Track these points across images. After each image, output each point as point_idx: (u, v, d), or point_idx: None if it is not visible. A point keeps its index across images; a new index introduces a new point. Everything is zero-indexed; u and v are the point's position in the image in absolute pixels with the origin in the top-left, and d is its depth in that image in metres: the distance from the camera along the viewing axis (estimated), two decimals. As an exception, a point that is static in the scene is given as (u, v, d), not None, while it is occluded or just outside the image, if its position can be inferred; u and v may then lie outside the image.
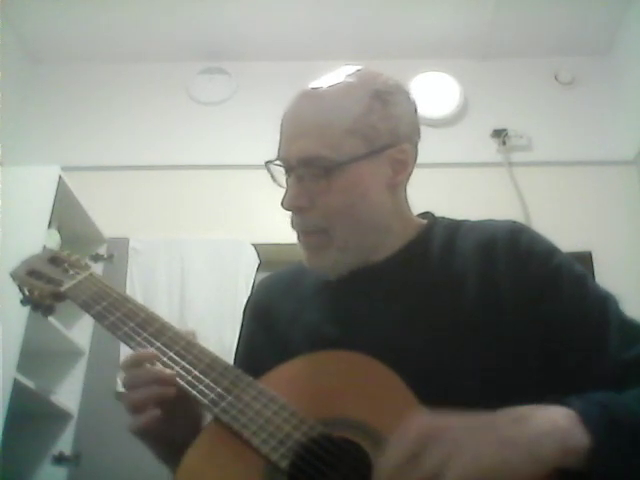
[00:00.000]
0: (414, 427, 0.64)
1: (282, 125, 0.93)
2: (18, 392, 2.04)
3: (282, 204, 0.91)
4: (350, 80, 0.92)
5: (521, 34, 3.13)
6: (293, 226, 0.93)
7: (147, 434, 0.83)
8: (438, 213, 1.02)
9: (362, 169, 0.89)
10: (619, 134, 2.99)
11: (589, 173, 2.95)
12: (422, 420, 0.65)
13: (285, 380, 0.84)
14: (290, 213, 0.93)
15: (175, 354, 0.87)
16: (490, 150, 3.03)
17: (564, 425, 0.65)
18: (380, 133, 0.90)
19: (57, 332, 2.33)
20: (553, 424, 0.65)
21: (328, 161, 0.87)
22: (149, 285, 2.71)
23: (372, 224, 0.91)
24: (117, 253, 2.76)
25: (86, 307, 0.95)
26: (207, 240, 2.81)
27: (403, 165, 0.92)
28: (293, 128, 0.91)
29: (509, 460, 0.62)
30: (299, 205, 0.90)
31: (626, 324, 0.84)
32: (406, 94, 0.95)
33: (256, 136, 2.81)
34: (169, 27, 3.14)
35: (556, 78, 3.18)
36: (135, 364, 0.85)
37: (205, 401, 0.82)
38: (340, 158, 0.87)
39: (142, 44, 3.22)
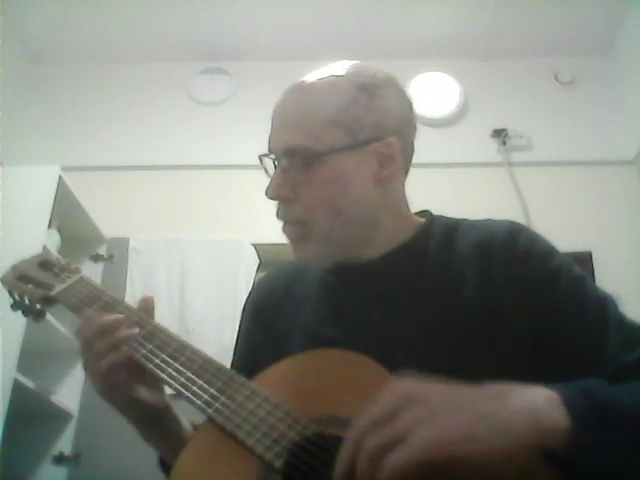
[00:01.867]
0: (393, 390, 0.64)
1: (272, 118, 0.94)
2: (18, 392, 2.04)
3: (266, 193, 0.91)
4: (339, 73, 0.92)
5: (521, 34, 3.13)
6: (278, 216, 0.93)
7: (110, 385, 0.86)
8: (437, 213, 1.02)
9: (344, 161, 0.88)
10: (619, 134, 2.99)
11: (589, 173, 2.95)
12: (401, 384, 0.65)
13: (278, 379, 0.84)
14: (276, 204, 0.93)
15: (168, 356, 0.87)
16: (490, 150, 3.03)
17: (542, 404, 0.64)
18: (364, 125, 0.89)
19: (57, 332, 2.33)
20: (530, 402, 0.64)
21: (308, 151, 0.87)
22: (149, 285, 2.71)
23: (356, 218, 0.90)
24: (117, 253, 2.76)
25: (77, 311, 0.95)
26: (207, 240, 2.82)
27: (390, 159, 0.91)
28: (279, 120, 0.92)
29: (477, 433, 0.61)
30: (282, 195, 0.90)
31: (625, 326, 0.84)
32: (396, 87, 0.94)
33: (256, 136, 2.78)
34: (169, 27, 3.14)
35: (556, 78, 3.18)
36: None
37: (198, 402, 0.82)
38: (321, 149, 0.87)
39: (142, 44, 3.22)
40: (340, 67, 0.93)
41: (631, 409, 0.68)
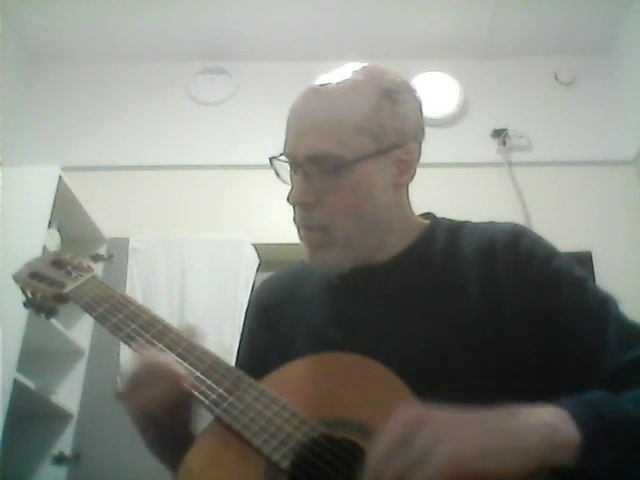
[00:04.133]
0: (403, 416, 0.65)
1: (289, 121, 0.93)
2: (18, 392, 2.04)
3: (288, 199, 0.91)
4: (358, 77, 0.91)
5: (521, 34, 3.13)
6: (295, 221, 0.92)
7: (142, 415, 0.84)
8: (438, 213, 1.02)
9: (370, 168, 0.88)
10: (619, 134, 2.99)
11: (589, 173, 2.95)
12: (411, 409, 0.66)
13: (287, 381, 0.85)
14: (292, 209, 0.92)
15: (177, 356, 0.87)
16: (490, 150, 3.03)
17: (552, 420, 0.66)
18: (387, 132, 0.89)
19: (57, 332, 2.33)
20: (541, 419, 0.66)
21: (337, 159, 0.87)
22: (149, 285, 2.71)
23: (376, 223, 0.91)
24: (117, 253, 2.76)
25: (89, 309, 0.96)
26: (207, 240, 2.81)
27: (408, 165, 0.92)
28: (301, 125, 0.91)
29: (494, 447, 0.62)
30: (305, 201, 0.89)
31: (626, 326, 0.84)
32: (413, 92, 0.95)
33: (256, 136, 2.82)
34: (169, 27, 3.14)
35: (556, 78, 3.18)
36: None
37: (207, 402, 0.82)
38: (349, 156, 0.87)
39: (142, 44, 3.21)
40: (356, 70, 0.93)
41: (636, 420, 0.69)
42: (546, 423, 0.65)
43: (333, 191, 0.88)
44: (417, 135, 0.93)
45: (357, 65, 0.94)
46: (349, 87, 0.90)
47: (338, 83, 0.91)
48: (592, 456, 0.64)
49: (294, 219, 0.92)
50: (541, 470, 0.64)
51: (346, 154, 0.87)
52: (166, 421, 0.84)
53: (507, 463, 0.62)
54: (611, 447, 0.66)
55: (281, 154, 0.93)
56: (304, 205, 0.90)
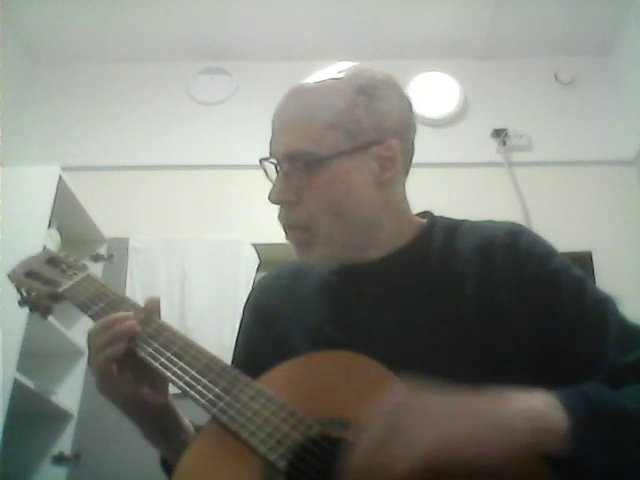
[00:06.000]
0: (385, 403, 0.65)
1: (272, 122, 0.94)
2: (18, 392, 2.04)
3: (269, 198, 0.91)
4: (337, 76, 0.92)
5: (521, 34, 3.13)
6: (279, 219, 0.93)
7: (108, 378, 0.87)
8: (438, 213, 1.02)
9: (346, 165, 0.88)
10: (619, 134, 2.99)
11: (589, 173, 2.95)
12: (394, 395, 0.66)
13: (283, 380, 0.85)
14: (278, 207, 0.93)
15: (173, 355, 0.87)
16: (490, 150, 3.03)
17: (541, 407, 0.65)
18: (364, 128, 0.89)
19: (57, 332, 2.33)
20: (529, 406, 0.65)
21: (310, 156, 0.87)
22: (149, 285, 2.71)
23: (359, 220, 0.90)
24: (117, 253, 2.76)
25: (84, 308, 0.96)
26: (207, 240, 2.81)
27: (391, 162, 0.91)
28: (279, 125, 0.92)
29: (476, 432, 0.62)
30: (284, 199, 0.90)
31: (625, 327, 0.84)
32: (395, 89, 0.94)
33: (256, 136, 2.80)
34: (169, 27, 3.14)
35: (556, 78, 3.18)
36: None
37: (203, 401, 0.82)
38: (322, 153, 0.87)
39: (142, 44, 3.22)
40: (339, 69, 0.93)
41: (628, 410, 0.69)
42: (533, 408, 0.65)
43: (310, 188, 0.88)
44: (401, 131, 0.92)
45: (343, 65, 0.94)
46: (325, 86, 0.91)
47: (316, 83, 0.92)
48: (581, 444, 0.64)
49: (278, 217, 0.93)
50: (539, 466, 0.64)
51: (319, 151, 0.87)
52: (128, 377, 0.87)
53: (491, 449, 0.61)
54: (601, 436, 0.65)
55: (269, 156, 0.94)
56: (284, 204, 0.91)
